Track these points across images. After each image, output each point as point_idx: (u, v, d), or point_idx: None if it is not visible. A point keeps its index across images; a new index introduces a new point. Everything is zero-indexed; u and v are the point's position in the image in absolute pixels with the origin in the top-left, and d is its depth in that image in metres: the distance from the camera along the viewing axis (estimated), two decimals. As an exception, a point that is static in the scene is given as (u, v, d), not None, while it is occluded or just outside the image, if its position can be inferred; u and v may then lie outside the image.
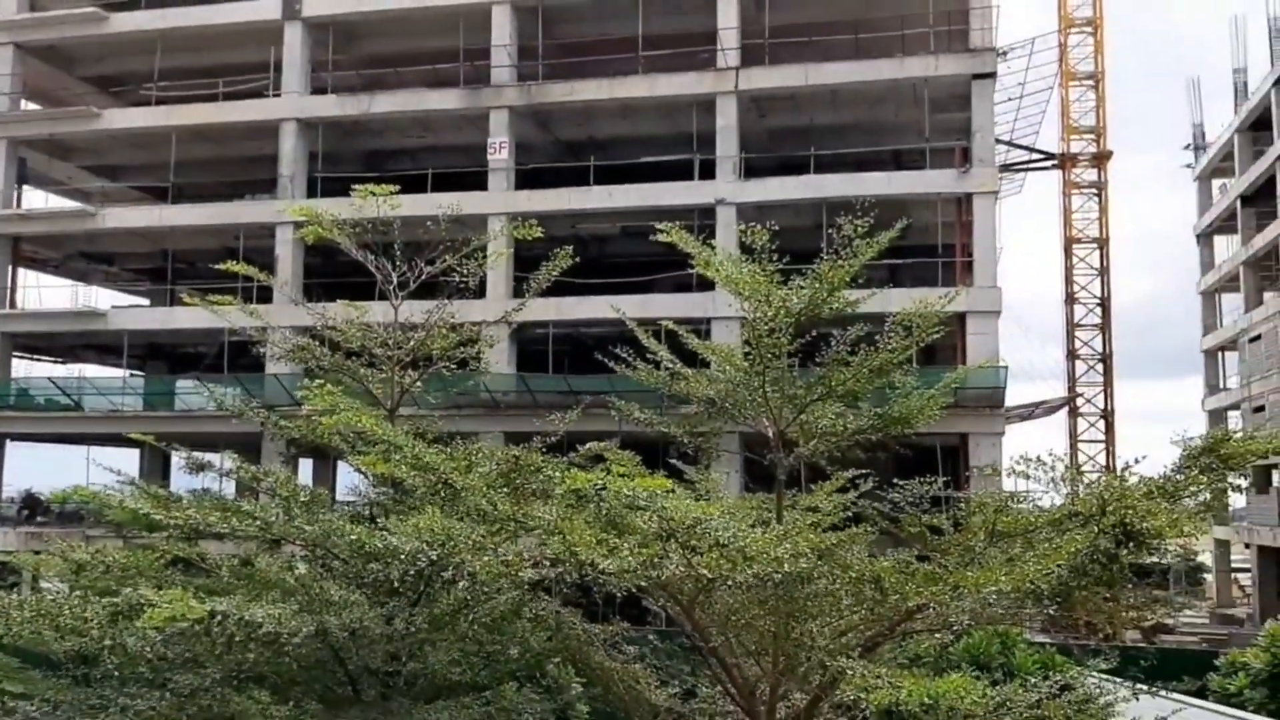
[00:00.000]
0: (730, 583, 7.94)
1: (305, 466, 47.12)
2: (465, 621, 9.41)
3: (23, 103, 44.61)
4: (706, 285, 34.00)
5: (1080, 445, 54.67)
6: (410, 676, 10.07)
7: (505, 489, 8.86)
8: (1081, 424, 55.45)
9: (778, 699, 9.85)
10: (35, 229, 43.69)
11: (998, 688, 9.62)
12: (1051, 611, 9.11)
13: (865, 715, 10.81)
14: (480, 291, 24.99)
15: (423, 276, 13.07)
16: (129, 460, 51.30)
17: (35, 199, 46.07)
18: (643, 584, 8.05)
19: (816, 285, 10.33)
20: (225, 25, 40.89)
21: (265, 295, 34.32)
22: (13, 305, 43.94)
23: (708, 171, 36.89)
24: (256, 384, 35.05)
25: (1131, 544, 8.05)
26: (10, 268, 43.90)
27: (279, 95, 40.36)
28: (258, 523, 8.33)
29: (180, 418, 39.52)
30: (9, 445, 44.44)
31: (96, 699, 8.38)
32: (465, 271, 12.90)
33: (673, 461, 14.26)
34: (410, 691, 9.96)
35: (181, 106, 41.15)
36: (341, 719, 8.46)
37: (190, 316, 41.36)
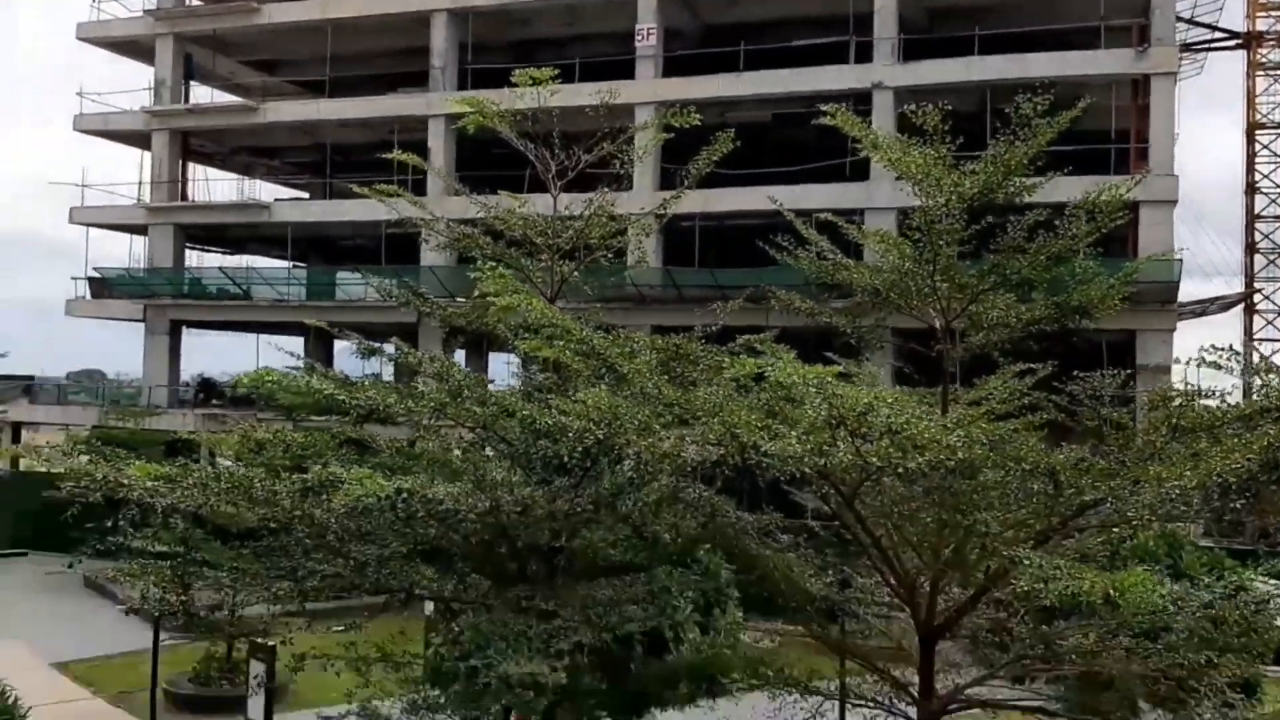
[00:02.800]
0: (897, 472, 7.80)
1: (457, 358, 48.48)
2: (626, 504, 9.55)
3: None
4: (860, 175, 33.06)
5: (1256, 344, 51.74)
6: (571, 555, 10.34)
7: (665, 376, 8.87)
8: (1258, 321, 52.41)
9: (938, 592, 9.74)
10: (202, 124, 45.38)
11: (1169, 587, 9.28)
12: (1238, 506, 8.67)
13: (1024, 613, 10.63)
14: (627, 184, 24.85)
15: (581, 166, 13.01)
16: (294, 348, 53.67)
17: (200, 94, 47.71)
18: (805, 470, 7.97)
19: (991, 169, 9.84)
20: (376, -83, 41.06)
21: (419, 189, 34.98)
22: (184, 198, 46.03)
23: (863, 55, 35.52)
24: (412, 276, 36.00)
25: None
26: (180, 162, 45.86)
27: (430, -16, 40.49)
28: (431, 404, 8.56)
29: (341, 307, 40.94)
30: (184, 333, 47.10)
31: (283, 566, 8.88)
32: (623, 160, 12.78)
33: (829, 355, 14.04)
34: (571, 570, 10.25)
35: (337, -1, 41.80)
36: (509, 593, 8.76)
37: (349, 210, 42.66)
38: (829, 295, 13.90)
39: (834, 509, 9.81)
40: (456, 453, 11.02)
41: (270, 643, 19.60)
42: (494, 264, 9.35)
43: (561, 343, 8.66)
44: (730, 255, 35.56)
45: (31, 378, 49.49)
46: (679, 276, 35.93)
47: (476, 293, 9.74)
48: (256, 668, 19.73)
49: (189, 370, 48.87)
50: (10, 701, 20.50)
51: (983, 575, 8.99)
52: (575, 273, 12.41)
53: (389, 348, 11.87)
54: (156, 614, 15.90)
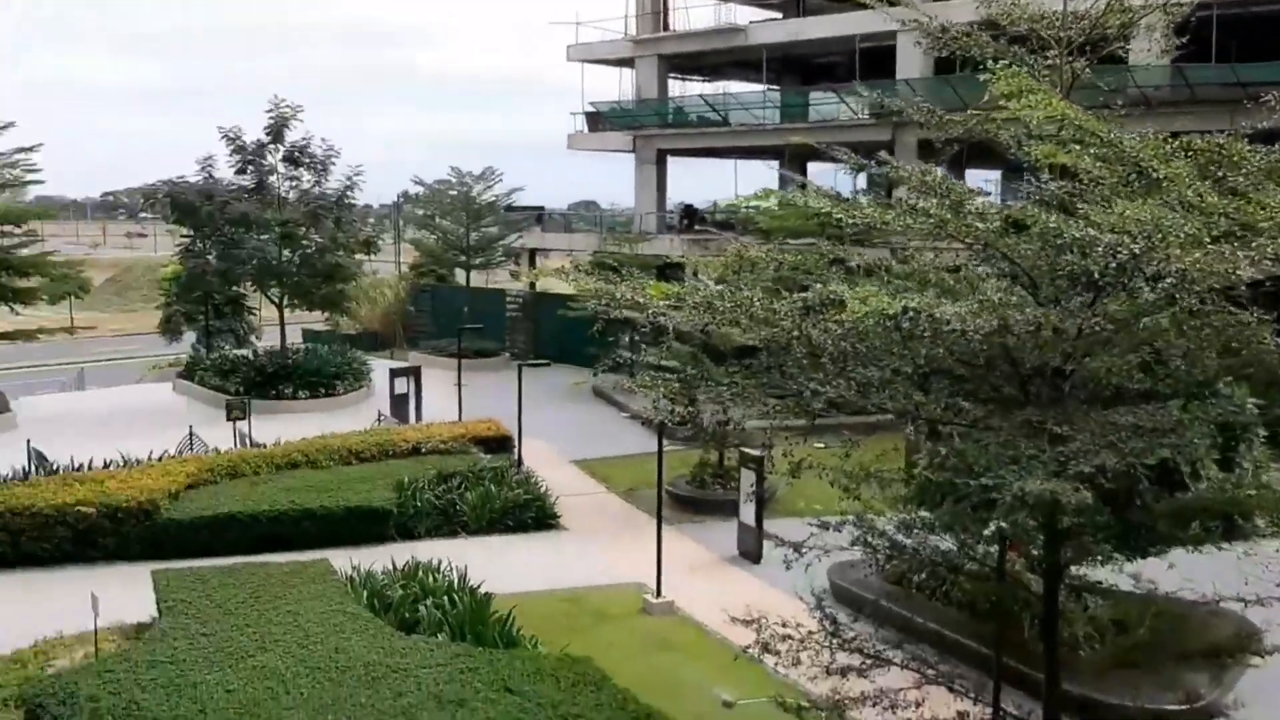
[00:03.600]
0: None
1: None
2: (1147, 326, 8.56)
3: None
4: None
5: None
6: (1079, 381, 9.58)
7: (1208, 182, 7.68)
8: None
9: None
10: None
11: None
12: None
13: None
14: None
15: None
16: (769, 172, 54.64)
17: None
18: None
19: None
20: None
21: None
22: (665, 28, 47.66)
23: None
24: (887, 91, 34.82)
25: None
26: (661, -9, 47.39)
27: None
28: (932, 220, 8.11)
29: (814, 128, 40.69)
30: (669, 162, 49.57)
31: (782, 386, 9.05)
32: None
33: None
34: (1077, 396, 9.50)
35: None
36: (1016, 416, 8.29)
37: (822, 26, 41.85)
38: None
39: None
40: (947, 273, 10.52)
41: (760, 454, 20.71)
42: (1006, 64, 8.48)
43: (1079, 147, 7.77)
44: (1256, 49, 30.64)
45: (541, 208, 54.88)
46: (1191, 73, 31.52)
47: (985, 97, 8.95)
48: (748, 476, 21.04)
49: (673, 198, 51.59)
50: (542, 490, 23.63)
51: None
52: (1086, 69, 11.07)
53: (872, 163, 11.43)
54: (662, 422, 17.23)
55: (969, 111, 10.24)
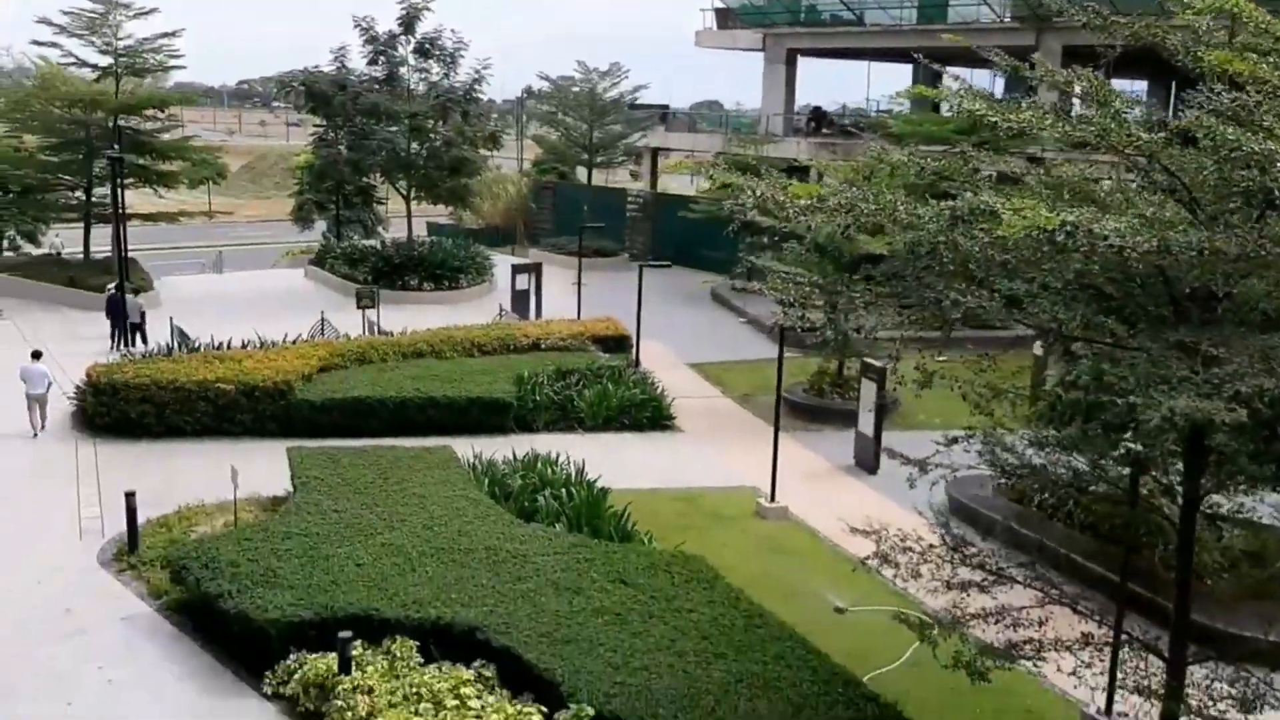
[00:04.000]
0: None
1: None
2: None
3: None
4: None
5: None
6: (1233, 305, 9.12)
7: None
8: None
9: None
10: None
11: None
12: None
13: None
14: None
15: None
16: (903, 76, 52.77)
17: None
18: None
19: None
20: None
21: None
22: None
23: None
24: (1036, -9, 33.08)
25: None
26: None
27: None
28: (1093, 128, 7.68)
29: (954, 30, 38.99)
30: (799, 63, 48.20)
31: (919, 295, 8.82)
32: None
33: None
34: (1231, 319, 9.05)
35: None
36: (1163, 337, 7.93)
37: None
38: None
39: None
40: (1105, 183, 10.02)
41: (883, 364, 20.43)
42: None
43: (1256, 56, 7.20)
44: None
45: (666, 107, 54.18)
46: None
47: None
48: (868, 387, 20.81)
49: (801, 101, 50.30)
50: (658, 390, 23.80)
51: None
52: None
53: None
54: (783, 328, 17.07)
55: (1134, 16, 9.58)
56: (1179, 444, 9.17)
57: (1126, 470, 10.43)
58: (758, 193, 8.02)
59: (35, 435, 20.94)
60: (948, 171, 10.04)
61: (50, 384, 21.50)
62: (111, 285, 30.15)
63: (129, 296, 28.98)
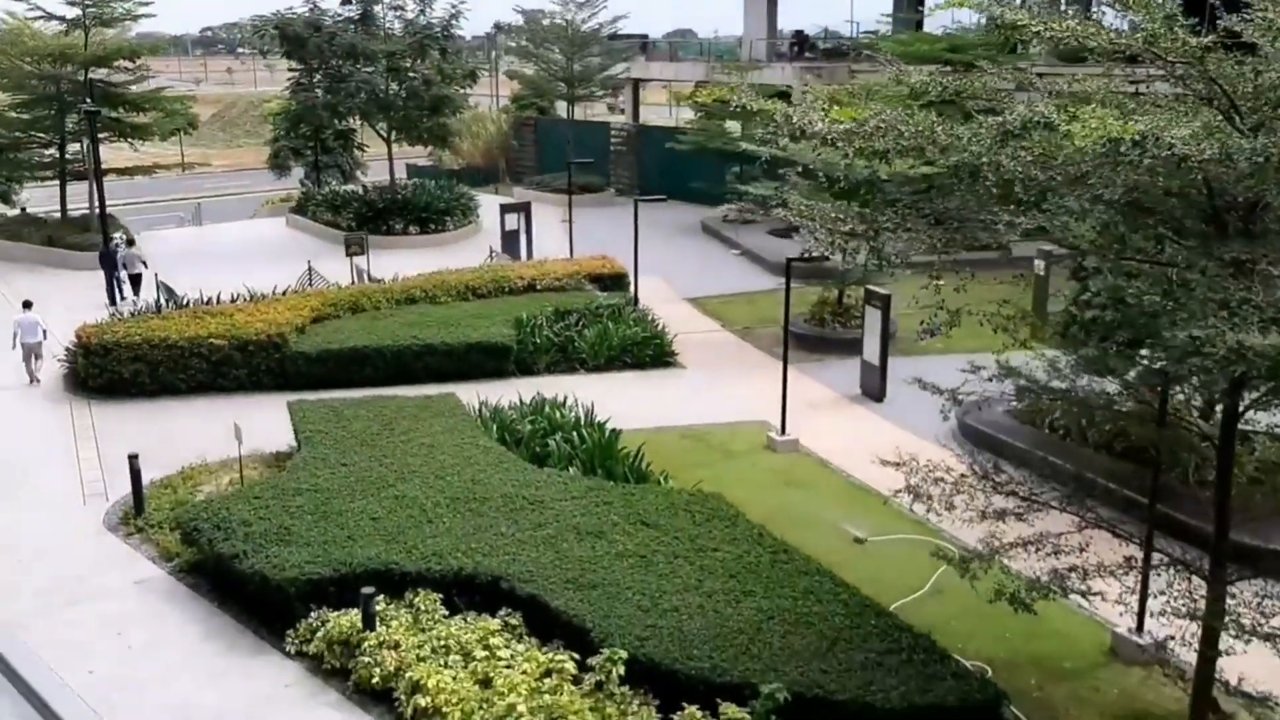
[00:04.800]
0: None
1: None
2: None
3: None
4: None
5: None
6: (1273, 217, 8.85)
7: None
8: None
9: None
10: None
11: None
12: None
13: None
14: None
15: None
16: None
17: None
18: None
19: None
20: None
21: None
22: None
23: None
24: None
25: None
26: None
27: None
28: (1140, 37, 7.33)
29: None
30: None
31: (957, 218, 8.52)
32: None
33: None
34: (1276, 229, 8.79)
35: None
36: (1215, 254, 7.65)
37: None
38: None
39: None
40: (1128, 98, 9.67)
41: (886, 291, 20.15)
42: None
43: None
44: None
45: (645, 36, 53.13)
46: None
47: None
48: (873, 314, 20.55)
49: (783, 25, 49.31)
50: (659, 327, 23.50)
51: None
52: None
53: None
54: (789, 259, 16.75)
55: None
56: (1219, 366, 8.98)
57: (1156, 387, 10.25)
58: (795, 119, 7.65)
59: (31, 383, 21.16)
60: (970, 91, 9.68)
61: (45, 331, 21.55)
62: (119, 236, 30.52)
63: (129, 249, 29.41)
